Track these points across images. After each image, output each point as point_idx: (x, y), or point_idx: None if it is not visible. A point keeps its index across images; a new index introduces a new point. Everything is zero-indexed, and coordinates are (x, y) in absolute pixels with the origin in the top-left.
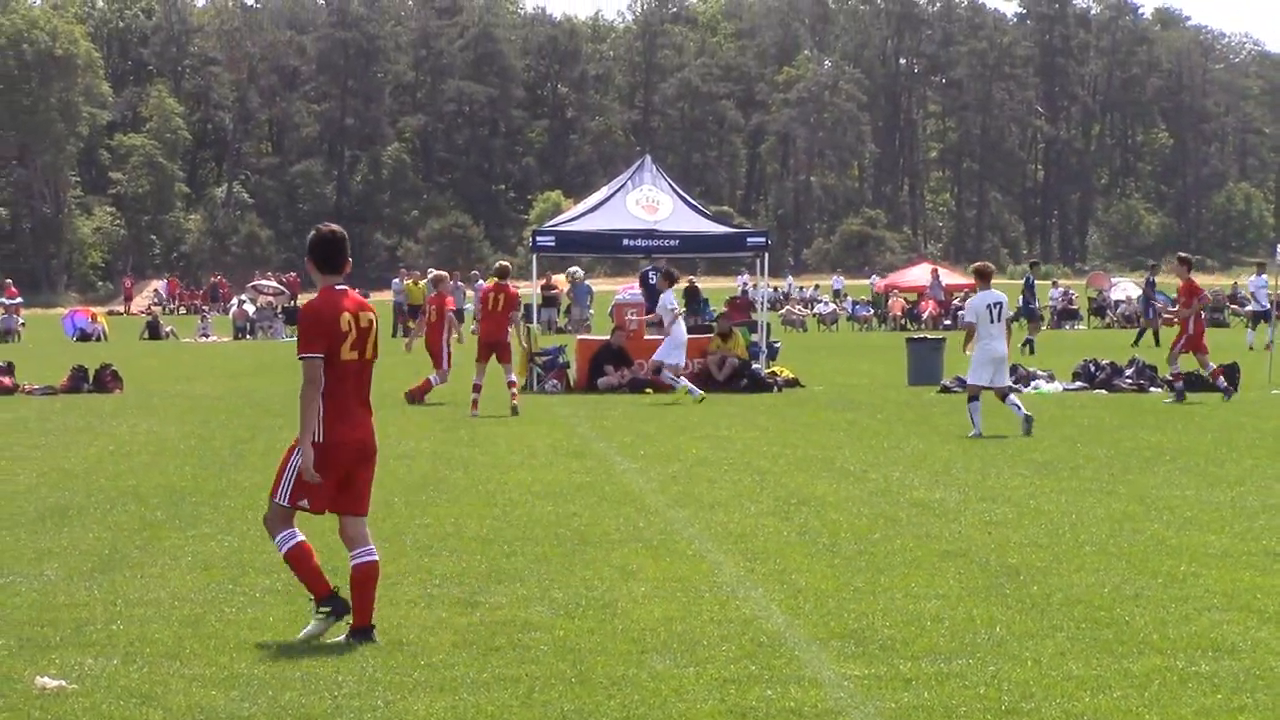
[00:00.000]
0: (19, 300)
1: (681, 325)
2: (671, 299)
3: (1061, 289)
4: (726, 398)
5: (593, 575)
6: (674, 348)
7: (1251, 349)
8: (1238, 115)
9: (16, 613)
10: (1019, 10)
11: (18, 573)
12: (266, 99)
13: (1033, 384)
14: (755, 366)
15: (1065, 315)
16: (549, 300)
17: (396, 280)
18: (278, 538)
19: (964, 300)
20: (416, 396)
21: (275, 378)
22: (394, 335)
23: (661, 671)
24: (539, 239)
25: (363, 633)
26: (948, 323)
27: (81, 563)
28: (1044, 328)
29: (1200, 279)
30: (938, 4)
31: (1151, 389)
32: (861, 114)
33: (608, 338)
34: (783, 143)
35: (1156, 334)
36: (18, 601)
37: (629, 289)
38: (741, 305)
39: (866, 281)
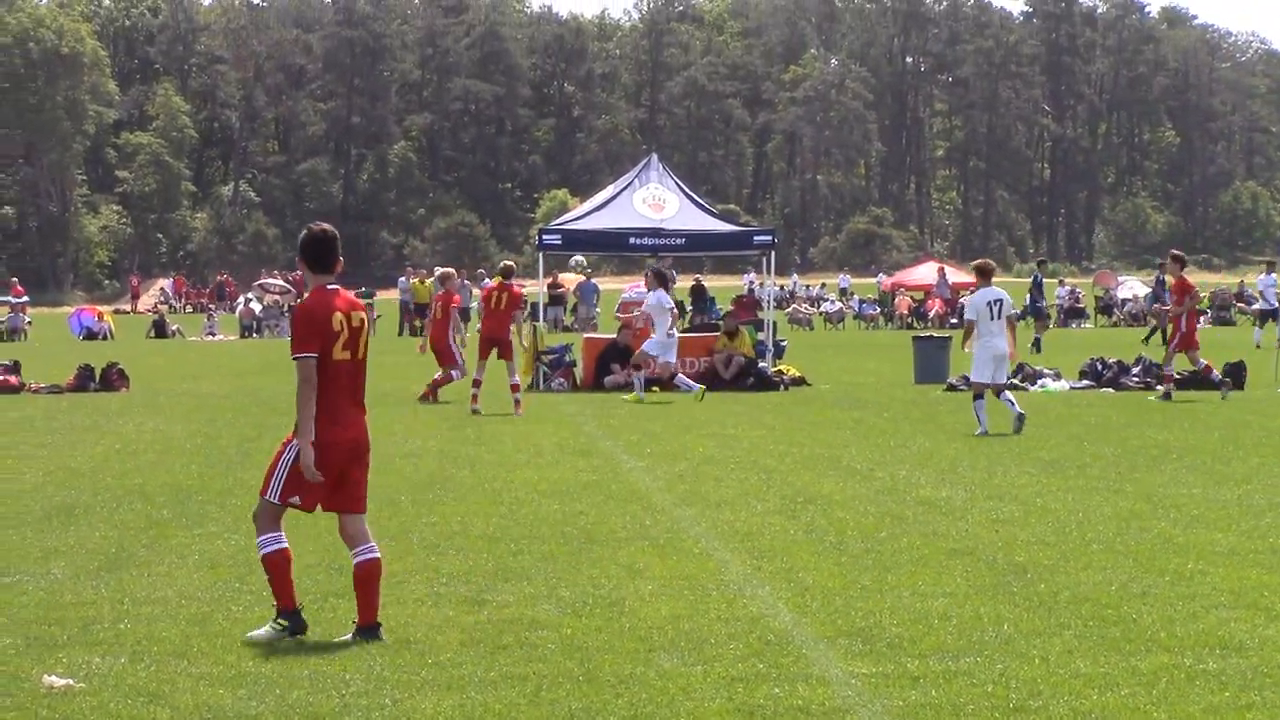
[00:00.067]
0: (25, 299)
1: (669, 323)
2: (665, 298)
3: (1068, 287)
4: (733, 396)
5: (600, 573)
6: (666, 346)
7: (1259, 347)
8: (1244, 114)
9: (24, 611)
10: (1025, 9)
11: (24, 571)
12: (273, 97)
13: (1039, 382)
14: (762, 365)
15: (1072, 314)
16: (555, 299)
17: (403, 279)
18: (262, 537)
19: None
20: (430, 396)
21: (282, 376)
22: (400, 334)
23: (669, 670)
24: (545, 237)
25: (368, 630)
26: (954, 321)
27: (88, 561)
28: (1051, 326)
29: (1207, 277)
30: (944, 3)
31: (1158, 387)
32: (868, 112)
33: (614, 336)
34: (789, 141)
35: (1165, 332)
36: (25, 600)
37: (635, 287)
38: (748, 304)
39: (873, 280)
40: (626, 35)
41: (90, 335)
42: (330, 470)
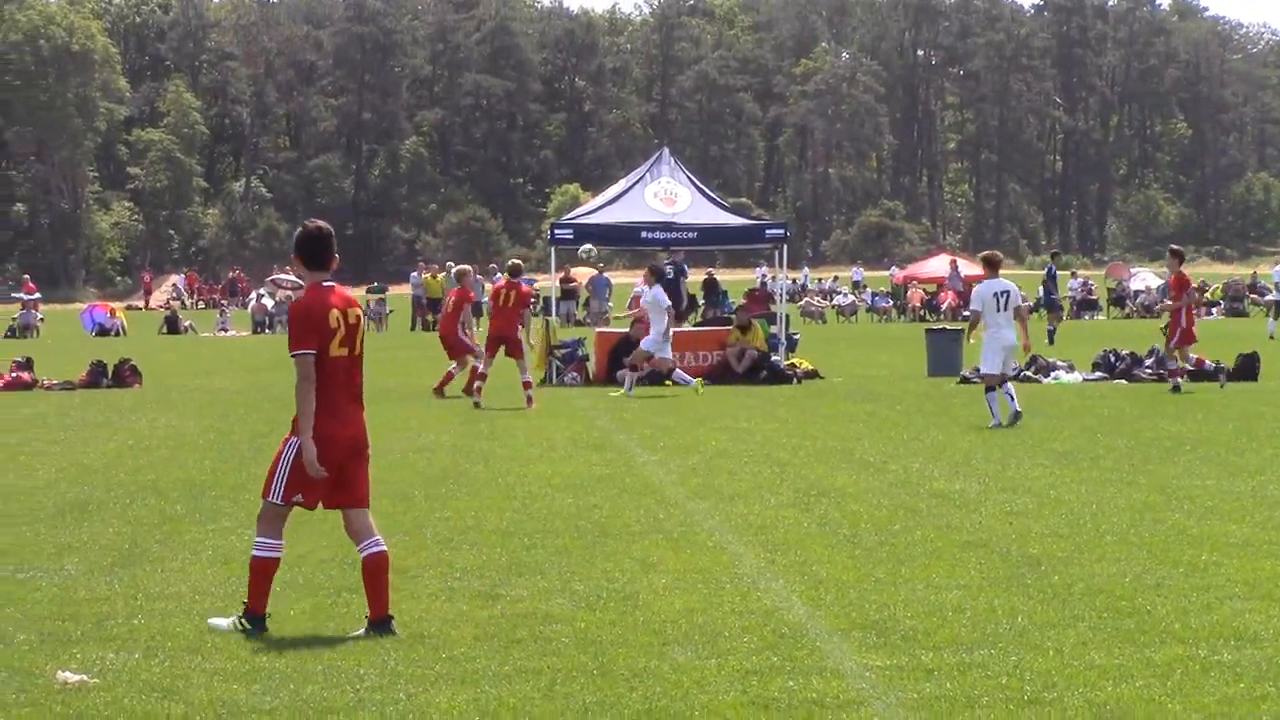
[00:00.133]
0: (37, 296)
1: (666, 321)
2: (662, 295)
3: (1080, 279)
4: (746, 390)
5: (613, 567)
6: (662, 342)
7: (1272, 338)
8: (1256, 105)
9: (38, 608)
10: (1036, 2)
11: (38, 568)
12: (284, 93)
13: (1053, 374)
14: (774, 358)
15: (1084, 305)
16: (568, 293)
17: (415, 274)
18: (261, 540)
19: None
20: (441, 390)
21: (293, 372)
22: (413, 329)
23: (683, 663)
24: (557, 232)
25: (380, 624)
26: (967, 314)
27: (102, 557)
28: (1064, 318)
29: (1220, 269)
30: None
31: (1169, 380)
32: (879, 106)
33: (627, 330)
34: (800, 135)
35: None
36: (39, 596)
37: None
38: (760, 297)
39: (885, 273)
40: (637, 29)
41: (102, 331)
42: (330, 466)
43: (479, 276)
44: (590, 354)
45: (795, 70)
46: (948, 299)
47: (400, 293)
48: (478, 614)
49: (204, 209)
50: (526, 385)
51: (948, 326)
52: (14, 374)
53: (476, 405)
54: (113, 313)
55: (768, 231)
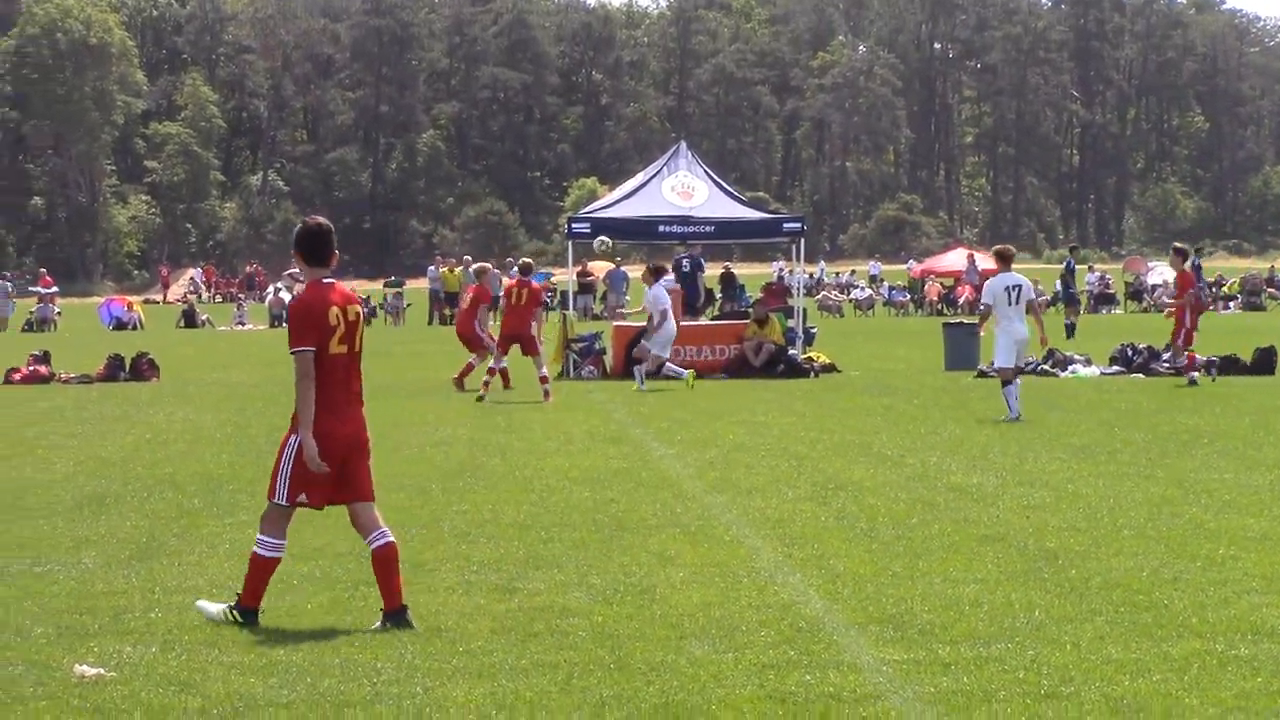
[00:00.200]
0: (55, 289)
1: (671, 321)
2: (662, 295)
3: (1098, 273)
4: (763, 383)
5: (630, 561)
6: (664, 343)
7: None
8: (1273, 98)
9: (55, 601)
10: None
11: (56, 561)
12: (301, 87)
13: (1070, 368)
14: (792, 352)
15: (1102, 300)
16: (585, 287)
17: (432, 268)
18: (264, 538)
19: None
20: (460, 381)
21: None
22: (430, 323)
23: (700, 657)
24: (574, 226)
25: (395, 615)
26: (983, 308)
27: (119, 551)
28: (1082, 312)
29: (1237, 263)
30: None
31: (1186, 374)
32: (896, 99)
33: (643, 324)
34: (818, 128)
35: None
36: (56, 590)
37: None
38: (777, 291)
39: (903, 267)
40: (654, 23)
41: (120, 325)
42: (331, 463)
43: (496, 271)
44: (607, 348)
45: (812, 63)
46: (965, 293)
47: (418, 287)
48: (495, 607)
49: (221, 202)
50: (543, 380)
51: (965, 320)
52: (31, 367)
53: (480, 399)
54: (130, 306)
55: (785, 225)
